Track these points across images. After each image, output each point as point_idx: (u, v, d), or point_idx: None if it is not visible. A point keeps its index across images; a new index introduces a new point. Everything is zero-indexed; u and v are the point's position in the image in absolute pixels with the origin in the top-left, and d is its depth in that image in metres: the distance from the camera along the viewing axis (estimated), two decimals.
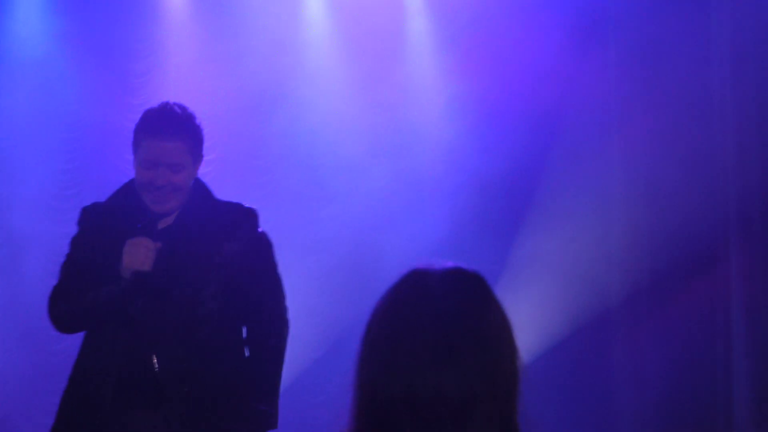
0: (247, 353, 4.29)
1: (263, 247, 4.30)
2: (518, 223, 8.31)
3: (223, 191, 4.46)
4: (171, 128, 4.11)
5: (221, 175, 6.57)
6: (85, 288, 4.16)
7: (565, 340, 7.97)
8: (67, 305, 4.20)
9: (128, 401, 4.13)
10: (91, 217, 4.31)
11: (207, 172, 4.58)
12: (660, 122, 7.69)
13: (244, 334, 4.31)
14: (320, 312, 8.18)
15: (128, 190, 4.30)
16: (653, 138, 7.72)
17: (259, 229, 4.31)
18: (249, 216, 4.30)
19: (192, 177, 4.21)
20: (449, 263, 2.19)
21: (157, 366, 4.13)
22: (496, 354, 2.12)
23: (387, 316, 2.16)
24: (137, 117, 4.22)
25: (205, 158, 4.34)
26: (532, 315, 7.91)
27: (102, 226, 4.25)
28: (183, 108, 4.18)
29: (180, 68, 8.35)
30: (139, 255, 4.05)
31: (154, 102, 4.26)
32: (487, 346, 2.12)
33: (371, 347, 2.15)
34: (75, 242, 4.30)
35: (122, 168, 7.13)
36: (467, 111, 8.51)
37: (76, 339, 4.44)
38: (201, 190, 4.32)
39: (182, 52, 8.67)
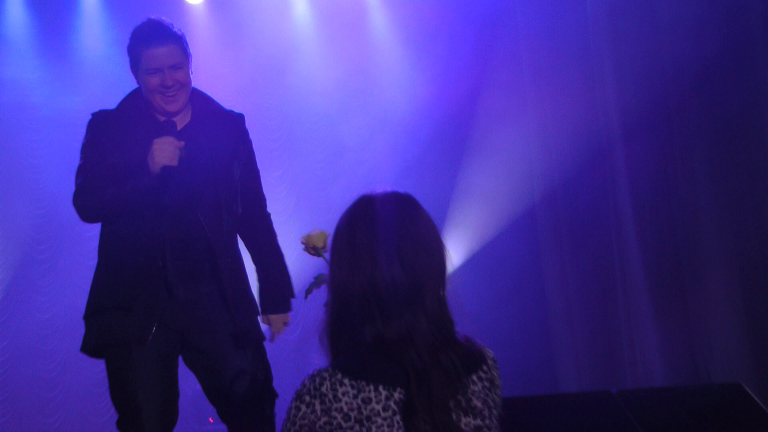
0: (252, 253, 4.40)
1: (252, 150, 4.46)
2: (461, 160, 8.96)
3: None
4: (163, 34, 4.19)
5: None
6: (110, 181, 4.07)
7: (496, 238, 8.72)
8: (92, 197, 4.09)
9: (185, 273, 4.12)
10: (102, 120, 4.25)
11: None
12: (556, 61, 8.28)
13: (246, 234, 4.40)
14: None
15: (135, 98, 4.31)
16: (554, 76, 8.28)
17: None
18: (243, 121, 4.42)
19: (189, 74, 4.26)
20: (388, 189, 2.46)
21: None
22: (430, 250, 2.38)
23: (347, 230, 2.40)
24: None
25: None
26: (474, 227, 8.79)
27: (115, 129, 4.20)
28: (163, 19, 4.27)
29: (202, 57, 8.51)
30: (167, 151, 4.01)
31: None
32: (422, 245, 2.37)
33: (339, 256, 2.39)
34: (89, 145, 4.21)
35: None
36: (424, 67, 9.20)
37: None
38: (199, 95, 4.38)
39: (203, 44, 9.24)
